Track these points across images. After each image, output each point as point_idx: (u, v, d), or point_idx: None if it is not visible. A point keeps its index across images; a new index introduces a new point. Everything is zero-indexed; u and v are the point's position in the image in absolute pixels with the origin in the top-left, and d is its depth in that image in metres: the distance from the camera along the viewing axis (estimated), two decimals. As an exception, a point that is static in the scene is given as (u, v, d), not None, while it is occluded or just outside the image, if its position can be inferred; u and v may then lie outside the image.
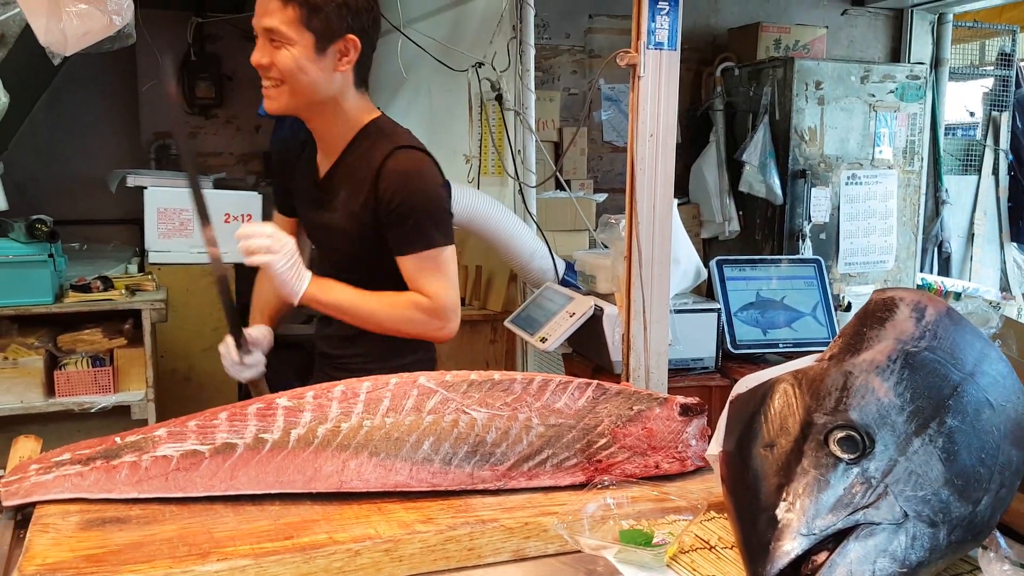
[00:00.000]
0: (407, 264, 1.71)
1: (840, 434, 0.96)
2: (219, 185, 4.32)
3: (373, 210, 1.70)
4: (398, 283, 1.75)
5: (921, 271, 4.89)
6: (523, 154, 3.19)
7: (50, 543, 1.04)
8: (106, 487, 1.17)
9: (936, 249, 5.06)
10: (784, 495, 0.94)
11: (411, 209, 1.69)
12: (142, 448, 1.20)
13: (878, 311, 1.10)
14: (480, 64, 3.30)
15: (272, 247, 1.64)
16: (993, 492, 1.00)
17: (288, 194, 1.92)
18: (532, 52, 3.12)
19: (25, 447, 1.41)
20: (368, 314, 1.74)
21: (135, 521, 1.11)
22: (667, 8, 1.73)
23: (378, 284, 1.76)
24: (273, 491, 1.20)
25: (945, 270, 5.08)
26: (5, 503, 1.17)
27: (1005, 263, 5.24)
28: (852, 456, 0.95)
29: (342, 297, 1.73)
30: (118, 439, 1.22)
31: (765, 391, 1.06)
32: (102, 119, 5.02)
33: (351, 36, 1.65)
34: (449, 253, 1.73)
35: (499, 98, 3.22)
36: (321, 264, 1.89)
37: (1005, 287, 5.15)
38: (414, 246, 1.69)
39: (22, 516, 1.15)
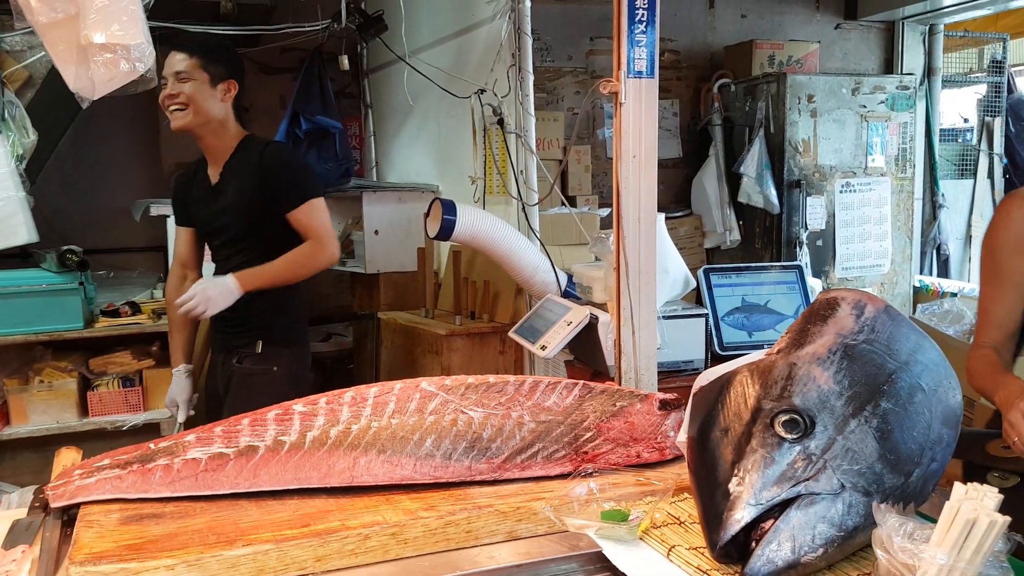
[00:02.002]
0: (297, 216, 2.44)
1: (784, 417, 1.10)
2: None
3: (260, 188, 2.42)
4: (273, 245, 2.45)
5: (920, 273, 4.98)
6: (525, 174, 3.32)
7: (95, 536, 1.17)
8: (142, 487, 1.30)
9: (935, 252, 5.15)
10: (736, 471, 1.07)
11: (293, 175, 2.48)
12: (174, 452, 1.34)
13: (822, 310, 1.23)
14: (482, 91, 3.44)
15: (199, 303, 2.33)
16: (925, 466, 1.13)
17: (186, 207, 2.61)
18: (531, 79, 3.26)
19: (68, 457, 1.55)
20: (282, 271, 2.44)
21: (169, 516, 1.25)
22: (644, 40, 1.87)
23: (261, 248, 2.47)
24: (292, 487, 1.33)
25: (944, 272, 5.15)
26: (53, 505, 1.30)
27: (1004, 264, 5.29)
28: (795, 436, 1.08)
29: (260, 273, 2.42)
30: (152, 445, 1.37)
31: (723, 383, 1.19)
32: (125, 151, 5.20)
33: (232, 80, 2.46)
34: (321, 202, 2.50)
35: (501, 122, 3.35)
36: (216, 252, 2.59)
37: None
38: (298, 201, 2.44)
39: (68, 516, 1.28)
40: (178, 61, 2.39)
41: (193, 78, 2.38)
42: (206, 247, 2.71)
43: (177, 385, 2.67)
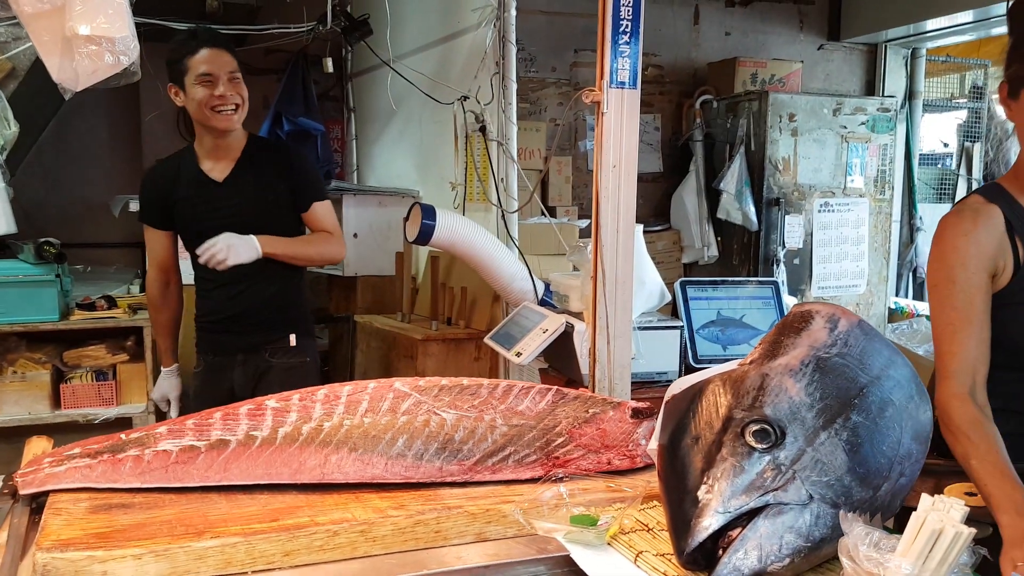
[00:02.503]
0: (318, 209, 2.57)
1: (755, 427, 1.10)
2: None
3: (286, 182, 2.50)
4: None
5: (896, 295, 5.04)
6: (506, 182, 3.33)
7: (63, 524, 1.17)
8: (112, 477, 1.30)
9: (911, 274, 5.21)
10: (705, 479, 1.08)
11: (317, 171, 2.68)
12: (145, 443, 1.34)
13: (796, 322, 1.24)
14: (465, 98, 3.45)
15: (221, 249, 2.34)
16: (893, 480, 1.14)
17: (170, 205, 2.55)
18: (514, 87, 3.28)
19: (38, 445, 1.55)
20: (299, 247, 2.54)
21: (138, 507, 1.24)
22: (628, 51, 1.89)
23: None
24: (262, 482, 1.33)
25: (920, 294, 5.21)
26: (22, 492, 1.29)
27: (978, 288, 5.36)
28: (765, 446, 1.09)
29: (280, 241, 2.47)
30: (123, 436, 1.36)
31: (696, 391, 1.20)
32: (106, 147, 5.17)
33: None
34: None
35: (483, 129, 3.36)
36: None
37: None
38: (321, 196, 2.60)
39: (36, 504, 1.28)
40: (228, 61, 2.45)
41: (239, 78, 2.48)
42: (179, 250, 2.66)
43: (169, 382, 2.74)
